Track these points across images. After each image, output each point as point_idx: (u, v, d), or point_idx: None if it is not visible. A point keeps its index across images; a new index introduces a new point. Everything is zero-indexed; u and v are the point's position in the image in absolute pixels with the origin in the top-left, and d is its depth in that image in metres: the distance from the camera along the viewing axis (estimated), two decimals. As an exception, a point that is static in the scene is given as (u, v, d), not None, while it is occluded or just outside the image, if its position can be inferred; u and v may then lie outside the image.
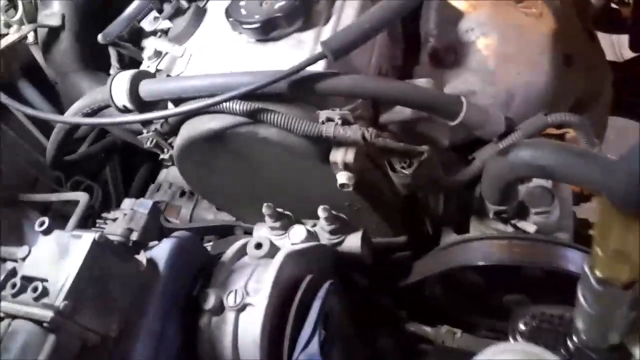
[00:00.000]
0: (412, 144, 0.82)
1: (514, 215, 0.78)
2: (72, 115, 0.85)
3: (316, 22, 0.80)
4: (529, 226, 0.77)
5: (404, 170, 0.73)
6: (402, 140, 0.82)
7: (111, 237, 0.66)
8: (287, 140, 0.75)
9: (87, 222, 1.25)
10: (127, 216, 0.68)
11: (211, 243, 1.12)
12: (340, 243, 0.84)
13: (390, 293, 0.93)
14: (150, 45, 0.92)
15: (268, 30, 0.78)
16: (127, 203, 0.70)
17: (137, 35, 0.95)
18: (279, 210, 0.85)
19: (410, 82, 0.82)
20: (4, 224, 0.80)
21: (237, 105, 0.73)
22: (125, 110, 0.80)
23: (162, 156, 0.91)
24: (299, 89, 0.72)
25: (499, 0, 0.99)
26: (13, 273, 0.64)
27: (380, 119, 0.82)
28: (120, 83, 0.79)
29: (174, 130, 0.84)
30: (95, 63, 1.09)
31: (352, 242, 0.84)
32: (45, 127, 1.16)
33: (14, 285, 0.62)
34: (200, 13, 0.89)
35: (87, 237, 0.63)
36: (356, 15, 0.80)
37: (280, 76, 0.69)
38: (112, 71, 0.98)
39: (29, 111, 0.80)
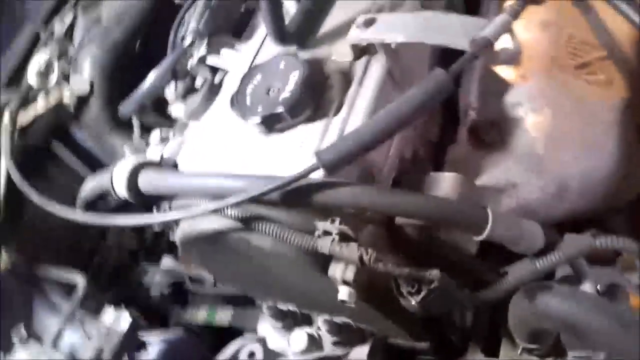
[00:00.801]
0: (434, 249, 0.73)
1: (548, 353, 0.65)
2: (82, 198, 0.83)
3: (326, 111, 0.72)
4: (566, 368, 0.64)
5: (410, 298, 0.63)
6: (420, 245, 0.72)
7: (81, 355, 0.63)
8: (282, 250, 0.67)
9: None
10: (101, 333, 0.65)
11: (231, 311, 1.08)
12: (345, 355, 0.75)
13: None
14: (175, 111, 0.88)
15: (270, 124, 0.71)
16: (107, 313, 0.66)
17: (161, 104, 0.92)
18: (282, 308, 0.78)
19: (428, 182, 0.71)
20: (18, 307, 0.81)
21: (230, 211, 0.67)
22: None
23: (171, 237, 0.87)
24: (293, 200, 0.64)
25: (556, 67, 0.84)
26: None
27: (397, 220, 0.73)
28: (120, 173, 0.75)
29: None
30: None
31: (359, 356, 0.75)
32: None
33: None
34: (215, 90, 0.84)
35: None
36: (370, 106, 0.71)
37: (271, 188, 0.62)
38: (133, 142, 0.97)
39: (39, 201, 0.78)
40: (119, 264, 1.38)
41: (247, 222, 0.66)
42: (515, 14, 0.67)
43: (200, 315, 1.17)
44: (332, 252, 0.63)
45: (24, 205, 1.07)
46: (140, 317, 0.75)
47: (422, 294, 0.62)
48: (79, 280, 0.80)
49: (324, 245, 0.63)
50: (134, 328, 0.67)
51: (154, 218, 0.70)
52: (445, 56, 0.73)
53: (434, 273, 0.62)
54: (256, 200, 0.65)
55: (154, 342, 0.73)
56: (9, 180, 0.98)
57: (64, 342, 0.69)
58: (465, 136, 0.86)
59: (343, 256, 0.63)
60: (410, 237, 0.72)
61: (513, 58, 0.77)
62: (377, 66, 0.74)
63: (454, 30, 0.68)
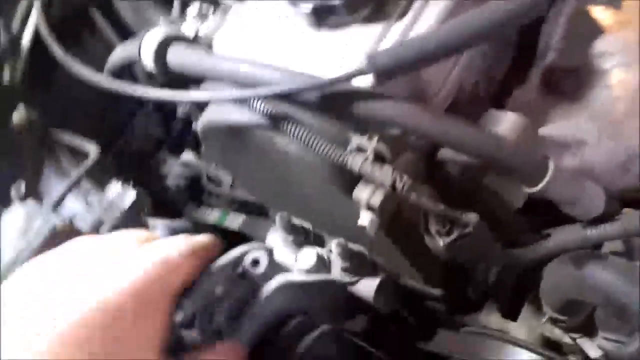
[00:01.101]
0: (475, 194, 0.65)
1: (575, 328, 0.58)
2: (110, 64, 0.77)
3: (389, 14, 0.62)
4: (592, 349, 0.57)
5: (438, 238, 0.56)
6: (459, 186, 0.64)
7: (79, 224, 0.58)
8: (306, 158, 0.60)
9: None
10: (102, 204, 0.60)
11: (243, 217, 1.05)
12: (353, 283, 0.70)
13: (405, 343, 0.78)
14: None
15: (323, 17, 0.62)
16: (112, 186, 0.62)
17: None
18: (295, 223, 0.73)
19: (486, 118, 0.62)
20: (28, 166, 0.77)
21: (259, 105, 0.59)
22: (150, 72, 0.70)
23: (194, 126, 0.82)
24: (330, 104, 0.56)
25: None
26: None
27: (439, 153, 0.65)
28: (149, 42, 0.68)
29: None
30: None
31: (366, 288, 0.69)
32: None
33: (-29, 253, 0.58)
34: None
35: (50, 222, 0.56)
36: (442, 16, 0.61)
37: (308, 86, 0.54)
38: (171, 16, 0.89)
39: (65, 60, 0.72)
40: (142, 150, 1.34)
41: (275, 120, 0.59)
42: None
43: (212, 215, 1.14)
44: (362, 172, 0.56)
45: (51, 66, 1.02)
46: (149, 199, 0.71)
47: (453, 236, 0.55)
48: (92, 149, 0.75)
49: (355, 162, 0.56)
50: (137, 206, 0.62)
51: (179, 96, 0.63)
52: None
53: (471, 216, 0.54)
54: (289, 97, 0.58)
55: (160, 227, 0.69)
56: (37, 37, 0.92)
57: (65, 208, 0.66)
58: (537, 80, 0.75)
59: (374, 178, 0.55)
60: (450, 176, 0.65)
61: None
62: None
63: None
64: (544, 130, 0.69)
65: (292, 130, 0.58)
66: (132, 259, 0.41)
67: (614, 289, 0.46)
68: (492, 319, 0.68)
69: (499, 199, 0.63)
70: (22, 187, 0.61)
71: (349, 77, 0.53)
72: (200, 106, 0.73)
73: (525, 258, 0.61)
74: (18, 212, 0.58)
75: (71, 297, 0.36)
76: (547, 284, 0.57)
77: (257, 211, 1.07)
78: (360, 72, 0.52)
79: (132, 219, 0.62)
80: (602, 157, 0.67)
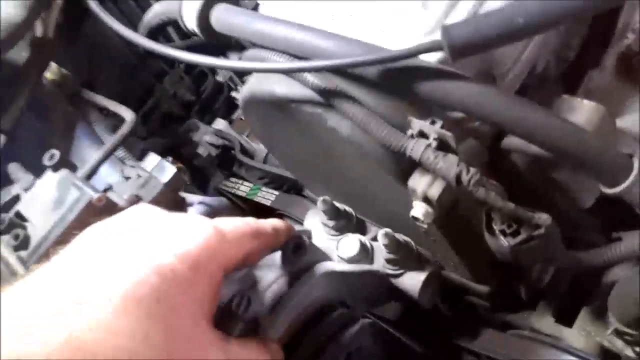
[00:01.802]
0: (540, 187, 0.59)
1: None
2: (145, 22, 0.72)
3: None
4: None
5: (503, 238, 0.51)
6: (524, 178, 0.59)
7: (114, 200, 0.54)
8: (359, 140, 0.55)
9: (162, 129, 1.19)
10: (140, 179, 0.56)
11: (276, 193, 1.00)
12: (397, 276, 0.66)
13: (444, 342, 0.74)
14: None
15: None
16: (150, 159, 0.57)
17: None
18: (339, 206, 0.68)
19: (560, 109, 0.56)
20: (58, 124, 0.73)
21: (310, 77, 0.54)
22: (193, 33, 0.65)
23: (233, 94, 0.76)
24: (392, 81, 0.50)
25: None
26: (11, 203, 0.57)
27: (503, 142, 0.59)
28: (192, 1, 0.63)
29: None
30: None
31: (412, 282, 0.65)
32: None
33: (2, 222, 0.54)
34: None
35: (86, 195, 0.52)
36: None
37: (372, 59, 0.48)
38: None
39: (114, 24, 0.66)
40: (170, 113, 1.31)
41: (329, 96, 0.54)
42: None
43: (242, 187, 1.10)
44: (422, 160, 0.50)
45: (82, 21, 0.97)
46: (187, 174, 0.67)
47: (520, 237, 0.50)
48: (128, 115, 0.70)
49: (416, 149, 0.50)
50: (177, 180, 0.58)
51: (222, 62, 0.58)
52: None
53: (544, 218, 0.48)
54: (347, 71, 0.52)
55: (195, 202, 0.65)
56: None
57: (100, 178, 0.62)
58: (613, 63, 0.68)
59: (435, 168, 0.50)
60: (515, 168, 0.59)
61: None
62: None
63: None
64: (620, 122, 0.62)
65: (346, 108, 0.52)
66: (194, 228, 0.42)
67: None
68: (544, 322, 0.64)
69: (568, 197, 0.57)
70: (56, 155, 0.56)
71: (420, 51, 0.47)
72: (242, 74, 0.67)
73: (591, 261, 0.56)
74: (51, 181, 0.55)
75: (131, 259, 0.38)
76: (619, 294, 0.52)
77: (290, 188, 1.03)
78: (433, 47, 0.46)
79: (170, 195, 0.57)
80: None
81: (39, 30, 0.75)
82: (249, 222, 0.46)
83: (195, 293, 0.39)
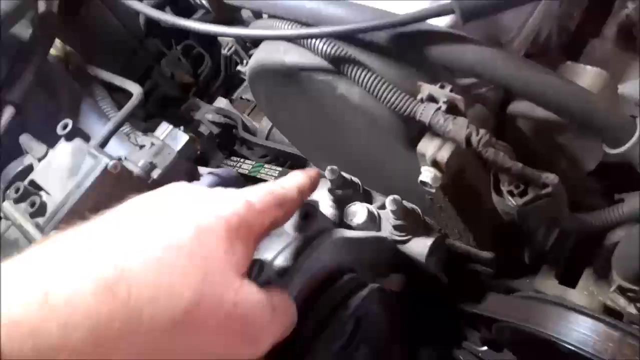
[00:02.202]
0: (545, 152, 0.60)
1: (645, 299, 0.55)
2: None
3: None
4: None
5: (510, 198, 0.52)
6: (530, 143, 0.60)
7: (130, 167, 0.55)
8: (370, 107, 0.56)
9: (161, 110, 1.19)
10: (154, 147, 0.56)
11: (279, 169, 1.01)
12: (404, 242, 0.67)
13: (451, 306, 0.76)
14: None
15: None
16: (162, 128, 0.58)
17: None
18: (346, 176, 0.69)
19: (563, 71, 0.57)
20: (65, 99, 0.73)
21: (320, 44, 0.55)
22: (201, 6, 0.65)
23: (239, 67, 0.77)
24: (401, 46, 0.51)
25: None
26: (25, 173, 0.57)
27: (509, 107, 0.60)
28: (200, -27, 0.63)
29: (255, 43, 0.69)
30: None
31: (418, 247, 0.66)
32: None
33: (17, 190, 0.55)
34: None
35: (101, 162, 0.53)
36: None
37: (381, 23, 0.49)
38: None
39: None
40: (168, 95, 1.31)
41: (339, 63, 0.54)
42: None
43: (244, 166, 1.11)
44: (432, 124, 0.52)
45: (82, 4, 0.96)
46: (198, 141, 0.67)
47: (528, 196, 0.51)
48: (135, 89, 0.71)
49: (426, 112, 0.52)
50: (190, 149, 0.59)
51: (232, 31, 0.58)
52: None
53: (552, 177, 0.50)
54: (358, 38, 0.53)
55: (204, 173, 0.66)
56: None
57: (108, 148, 0.62)
58: (614, 32, 0.69)
59: (445, 131, 0.51)
60: (520, 133, 0.60)
61: None
62: None
63: None
64: (621, 88, 0.64)
65: (357, 74, 0.53)
66: (229, 198, 0.44)
67: None
68: (547, 284, 0.65)
69: (572, 160, 0.59)
70: (69, 124, 0.57)
71: (429, 15, 0.48)
72: (247, 47, 0.68)
73: (594, 223, 0.57)
74: (65, 150, 0.55)
75: (172, 218, 0.40)
76: (623, 251, 0.53)
77: (293, 165, 1.04)
78: (444, 10, 0.47)
79: (184, 163, 0.58)
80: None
81: (42, 6, 0.75)
82: (274, 192, 0.47)
83: (231, 254, 0.41)
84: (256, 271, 0.60)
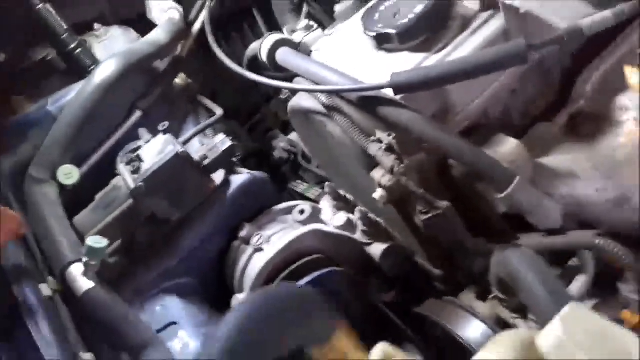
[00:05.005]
0: (470, 196, 0.83)
1: (514, 309, 0.74)
2: (247, 57, 1.08)
3: (431, 47, 0.83)
4: (523, 328, 0.72)
5: (420, 216, 0.76)
6: (459, 189, 0.83)
7: (192, 155, 0.89)
8: (346, 141, 0.84)
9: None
10: (209, 145, 0.91)
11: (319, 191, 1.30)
12: (368, 245, 0.92)
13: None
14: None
15: (381, 42, 0.85)
16: (219, 137, 0.92)
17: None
18: (340, 192, 0.97)
19: (492, 142, 0.80)
20: (177, 113, 1.12)
21: (322, 97, 0.85)
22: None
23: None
24: (363, 105, 0.79)
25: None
26: (135, 150, 0.94)
27: (449, 160, 0.83)
28: (267, 43, 0.97)
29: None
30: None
31: (376, 251, 0.91)
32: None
33: (128, 159, 0.92)
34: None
35: (173, 149, 0.88)
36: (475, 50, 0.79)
37: (346, 88, 0.78)
38: (300, 24, 1.17)
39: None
40: (271, 128, 1.68)
41: (329, 109, 0.84)
42: (619, 16, 0.68)
43: (300, 187, 1.42)
44: (375, 156, 0.78)
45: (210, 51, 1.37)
46: (239, 149, 1.01)
47: (427, 216, 0.75)
48: (218, 110, 1.08)
49: (373, 148, 0.79)
50: (231, 151, 0.92)
51: (278, 84, 0.90)
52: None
53: (443, 203, 0.73)
54: (339, 94, 0.82)
55: (243, 172, 0.98)
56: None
57: (191, 145, 0.98)
58: (564, 120, 0.89)
59: (382, 162, 0.77)
60: (455, 178, 0.83)
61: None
62: (496, 23, 0.81)
63: (567, 13, 0.72)
64: (546, 160, 0.84)
65: (338, 118, 0.82)
66: None
67: (513, 267, 0.62)
68: (466, 297, 0.85)
69: (486, 202, 0.80)
70: (166, 124, 0.94)
71: (376, 87, 0.75)
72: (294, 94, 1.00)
73: (493, 250, 0.78)
74: (159, 140, 0.92)
75: None
76: (491, 267, 0.74)
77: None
78: (384, 86, 0.75)
79: (225, 159, 0.91)
80: (591, 191, 0.80)
81: (178, 50, 1.16)
82: None
83: None
84: (257, 239, 0.90)
